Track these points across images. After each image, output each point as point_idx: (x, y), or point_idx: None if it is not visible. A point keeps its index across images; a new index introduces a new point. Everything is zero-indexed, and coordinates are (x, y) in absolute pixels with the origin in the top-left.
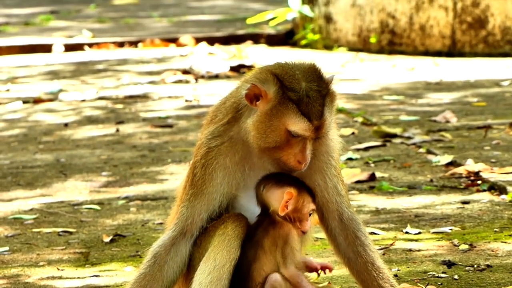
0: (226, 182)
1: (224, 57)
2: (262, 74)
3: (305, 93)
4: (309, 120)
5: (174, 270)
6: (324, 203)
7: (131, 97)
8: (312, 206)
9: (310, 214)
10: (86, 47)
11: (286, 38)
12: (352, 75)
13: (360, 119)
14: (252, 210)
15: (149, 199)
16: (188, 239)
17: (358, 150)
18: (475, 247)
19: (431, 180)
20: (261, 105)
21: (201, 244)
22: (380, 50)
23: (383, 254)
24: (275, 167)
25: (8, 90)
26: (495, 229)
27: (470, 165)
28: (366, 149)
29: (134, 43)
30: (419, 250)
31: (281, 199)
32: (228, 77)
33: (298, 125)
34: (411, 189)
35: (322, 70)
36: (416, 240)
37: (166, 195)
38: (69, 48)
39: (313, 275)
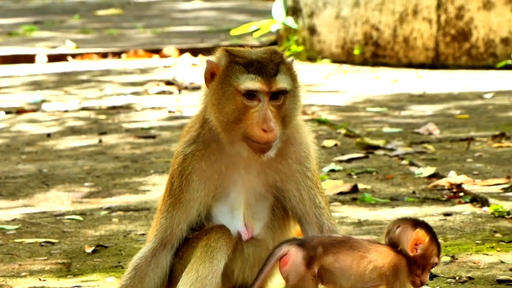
0: (204, 187)
1: None
2: (216, 52)
3: (255, 59)
4: (259, 75)
5: (155, 281)
6: (302, 215)
7: (114, 108)
8: (437, 260)
9: (432, 267)
10: (69, 58)
11: None
12: (335, 86)
13: (343, 131)
14: (226, 222)
15: (131, 210)
16: (169, 250)
17: (340, 161)
18: (456, 259)
19: (414, 192)
20: (214, 81)
21: (183, 256)
22: (363, 62)
23: None
24: (249, 152)
25: None
26: (477, 241)
27: (453, 177)
28: (349, 160)
29: (117, 54)
30: None
31: (411, 239)
32: None
33: (247, 82)
34: (394, 200)
35: (282, 52)
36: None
37: (149, 206)
38: (53, 58)
39: None
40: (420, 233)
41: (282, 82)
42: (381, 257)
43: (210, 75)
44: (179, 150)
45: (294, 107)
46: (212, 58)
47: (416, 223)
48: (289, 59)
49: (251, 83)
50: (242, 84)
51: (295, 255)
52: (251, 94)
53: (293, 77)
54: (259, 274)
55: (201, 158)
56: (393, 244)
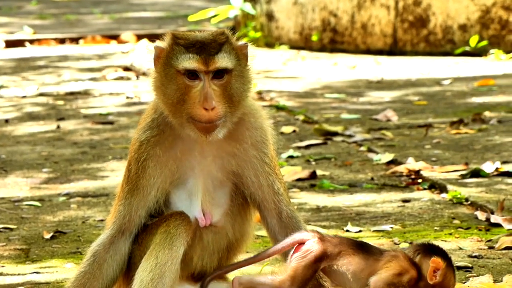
0: (160, 173)
1: None
2: (164, 37)
3: (198, 40)
4: (198, 54)
5: (114, 268)
6: (261, 201)
7: (72, 93)
8: (455, 284)
9: None
10: (27, 44)
11: None
12: (293, 73)
13: (301, 117)
14: (185, 209)
15: (90, 196)
16: (127, 237)
17: (299, 148)
18: None
19: (372, 179)
20: (158, 64)
21: (142, 242)
22: (321, 48)
23: None
24: (196, 134)
25: None
26: (435, 228)
27: (411, 164)
28: (307, 147)
29: (75, 40)
30: None
31: (428, 267)
32: None
33: (185, 61)
34: (352, 187)
35: (231, 34)
36: (356, 238)
37: (107, 192)
38: (10, 44)
39: None
40: (438, 260)
41: (222, 61)
42: (396, 264)
43: (158, 60)
44: (135, 137)
45: (242, 87)
46: (159, 43)
47: (433, 249)
48: (241, 42)
49: (189, 62)
50: (181, 63)
51: (312, 247)
52: (192, 74)
53: (239, 58)
54: (273, 250)
55: (156, 144)
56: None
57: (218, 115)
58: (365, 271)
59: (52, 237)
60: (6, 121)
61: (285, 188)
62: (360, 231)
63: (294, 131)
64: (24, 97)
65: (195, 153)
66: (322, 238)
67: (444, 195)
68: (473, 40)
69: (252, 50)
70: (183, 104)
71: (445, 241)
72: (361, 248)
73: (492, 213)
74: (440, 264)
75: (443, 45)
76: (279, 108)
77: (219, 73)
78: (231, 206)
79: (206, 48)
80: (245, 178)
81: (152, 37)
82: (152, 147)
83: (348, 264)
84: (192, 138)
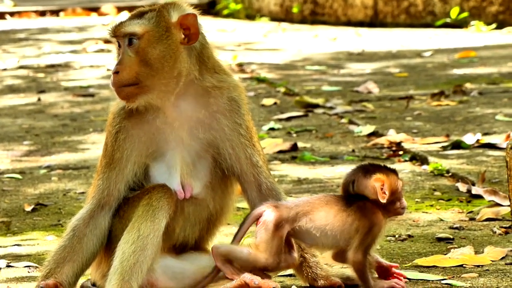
0: (133, 146)
1: None
2: None
3: (134, 11)
4: (113, 23)
5: (94, 242)
6: (240, 174)
7: (52, 66)
8: (400, 182)
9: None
10: (7, 16)
11: (209, 7)
12: (274, 45)
13: (282, 89)
14: (164, 182)
15: (70, 168)
16: (107, 211)
17: (280, 120)
18: (396, 217)
19: (353, 151)
20: None
21: (124, 215)
22: (302, 20)
23: None
24: (122, 101)
25: None
26: (417, 199)
27: (392, 136)
28: (288, 119)
29: (55, 12)
30: None
31: (374, 188)
32: None
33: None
34: (333, 159)
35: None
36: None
37: (88, 164)
38: None
39: None
40: (377, 178)
41: (128, 27)
42: (358, 210)
43: None
44: (111, 110)
45: (157, 53)
46: None
47: (366, 170)
48: (187, 11)
49: (108, 28)
50: (107, 31)
51: (268, 216)
52: (118, 42)
53: (158, 24)
54: (237, 233)
55: (128, 116)
56: (360, 196)
57: (121, 80)
58: (332, 225)
59: (33, 210)
60: None
61: (265, 160)
62: None
63: (275, 103)
64: (4, 69)
65: (171, 126)
66: (276, 205)
67: (425, 167)
68: (454, 12)
69: (200, 20)
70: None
71: (426, 212)
72: (320, 203)
73: (473, 184)
74: (382, 179)
75: (424, 16)
76: (260, 80)
77: (131, 40)
78: (212, 179)
79: (122, 16)
80: (222, 150)
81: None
82: (122, 120)
83: (310, 222)
84: (161, 110)
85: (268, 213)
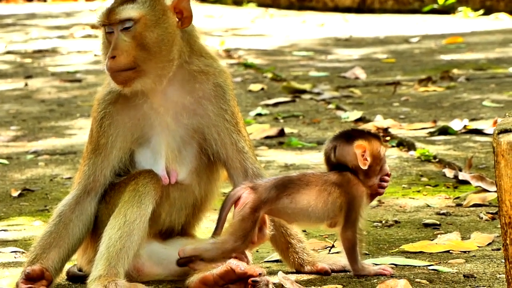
0: (118, 132)
1: None
2: None
3: None
4: (104, 9)
5: (80, 228)
6: (226, 160)
7: (39, 51)
8: (384, 147)
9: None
10: None
11: None
12: (261, 30)
13: (269, 75)
14: (149, 168)
15: (57, 154)
16: (93, 197)
17: (267, 105)
18: (383, 203)
19: None
20: None
21: (110, 201)
22: (289, 6)
23: None
24: (117, 86)
25: None
26: (403, 185)
27: (379, 121)
28: (275, 104)
29: None
30: None
31: (355, 154)
32: None
33: (97, 16)
34: (320, 144)
35: None
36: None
37: (75, 149)
38: None
39: None
40: (359, 144)
41: (124, 12)
42: (338, 186)
43: None
44: (96, 96)
45: (155, 36)
46: None
47: (348, 136)
48: None
49: (97, 16)
50: (96, 19)
51: (246, 198)
52: (108, 28)
53: (154, 8)
54: (219, 219)
55: (114, 102)
56: (342, 166)
57: (118, 64)
58: (314, 206)
59: (19, 195)
60: None
61: (251, 146)
62: None
63: (262, 88)
64: None
65: (157, 112)
66: (254, 187)
67: (412, 152)
68: None
69: (194, 4)
70: (104, 59)
71: (413, 198)
72: (299, 182)
73: (460, 170)
74: (363, 145)
75: (411, 2)
76: (247, 65)
77: (126, 24)
78: (198, 165)
79: (115, 2)
80: (208, 136)
81: None
82: (107, 105)
83: (292, 203)
84: (148, 95)
85: (246, 196)
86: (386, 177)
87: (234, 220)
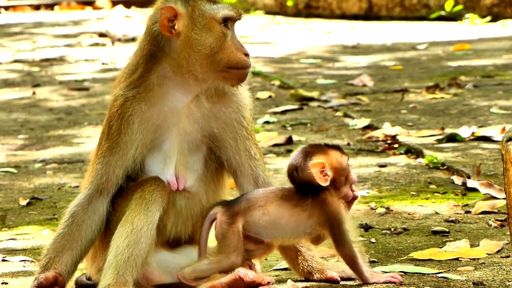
0: (143, 130)
1: (141, 20)
2: (159, 3)
3: None
4: (227, 4)
5: (92, 228)
6: (237, 166)
7: (47, 60)
8: (346, 157)
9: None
10: (2, 10)
11: None
12: (269, 38)
13: (277, 83)
14: (158, 172)
15: (65, 162)
16: (105, 196)
17: (275, 113)
18: (392, 210)
19: (348, 144)
20: (180, 25)
21: (118, 208)
22: (297, 14)
23: None
24: (227, 84)
25: None
26: (412, 193)
27: (387, 129)
28: (283, 112)
29: (50, 6)
30: None
31: (314, 172)
32: None
33: (223, 10)
34: None
35: None
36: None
37: (83, 158)
38: None
39: None
40: (314, 163)
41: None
42: (312, 205)
43: (167, 21)
44: (118, 93)
45: None
46: (165, 5)
47: (305, 154)
48: None
49: (227, 10)
50: (221, 12)
51: (221, 215)
52: (226, 23)
53: None
54: (200, 241)
55: (142, 100)
56: (310, 184)
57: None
58: (287, 219)
59: (28, 204)
60: None
61: (261, 153)
62: None
63: (270, 96)
64: None
65: (179, 115)
66: (226, 203)
67: (420, 160)
68: (449, 5)
69: None
70: (220, 54)
71: (422, 205)
72: (274, 196)
73: (469, 177)
74: (320, 162)
75: (419, 9)
76: (254, 73)
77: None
78: (205, 172)
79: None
80: (223, 142)
81: (127, 3)
82: (138, 103)
83: (264, 215)
84: (179, 97)
85: (221, 212)
86: (354, 187)
87: (217, 239)
